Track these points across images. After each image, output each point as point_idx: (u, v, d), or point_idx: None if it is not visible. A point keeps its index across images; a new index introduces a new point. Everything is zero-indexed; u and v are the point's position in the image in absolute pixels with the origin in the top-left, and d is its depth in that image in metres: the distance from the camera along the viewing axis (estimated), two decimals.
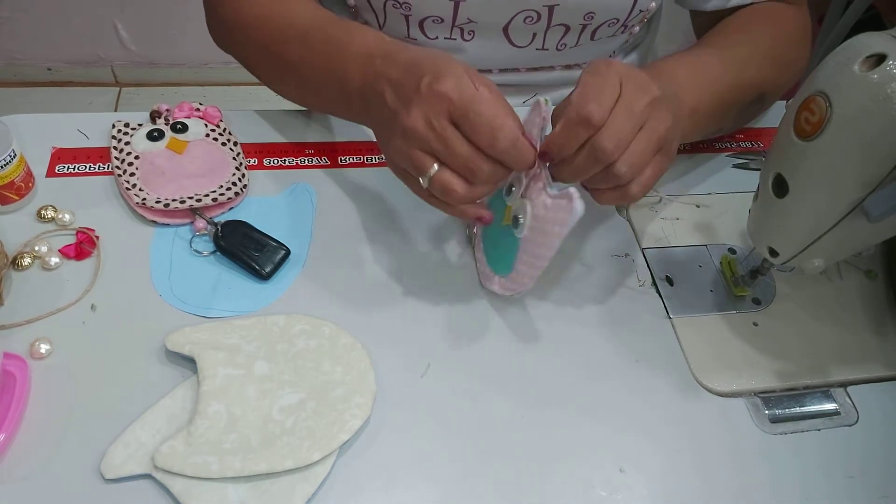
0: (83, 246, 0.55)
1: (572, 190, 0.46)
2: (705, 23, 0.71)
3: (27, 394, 0.47)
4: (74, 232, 0.56)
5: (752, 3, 0.68)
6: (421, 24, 0.68)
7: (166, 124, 0.62)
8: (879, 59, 0.41)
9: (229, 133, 0.63)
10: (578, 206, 0.46)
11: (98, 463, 0.44)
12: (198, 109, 0.64)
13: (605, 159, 0.46)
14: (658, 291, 0.58)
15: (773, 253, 0.51)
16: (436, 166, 0.47)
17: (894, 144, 0.41)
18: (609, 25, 0.69)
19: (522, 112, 0.71)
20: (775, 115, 0.71)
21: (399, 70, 0.49)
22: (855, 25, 1.47)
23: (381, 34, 0.55)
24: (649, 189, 0.49)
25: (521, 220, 0.49)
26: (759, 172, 0.51)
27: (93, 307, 0.52)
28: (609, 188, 0.49)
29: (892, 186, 0.42)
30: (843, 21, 1.48)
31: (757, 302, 0.58)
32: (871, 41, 0.41)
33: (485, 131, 0.45)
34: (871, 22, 1.48)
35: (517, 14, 0.66)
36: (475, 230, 0.58)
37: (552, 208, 0.48)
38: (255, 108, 0.68)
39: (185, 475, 0.44)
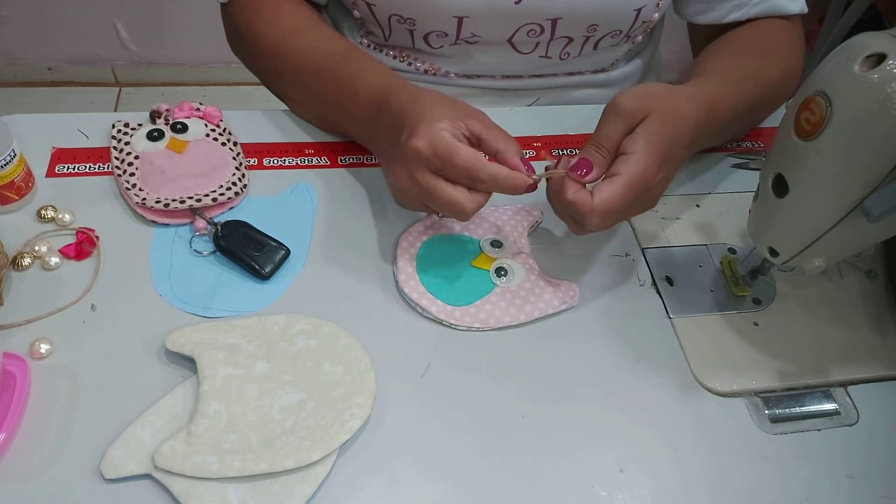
0: (83, 246, 0.55)
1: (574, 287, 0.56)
2: (701, 34, 0.72)
3: (27, 394, 0.47)
4: (74, 232, 0.56)
5: (747, 20, 0.68)
6: (426, 38, 0.68)
7: (166, 124, 0.62)
8: (879, 58, 0.41)
9: (229, 133, 0.63)
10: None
11: (98, 463, 0.44)
12: (198, 109, 0.64)
13: (588, 230, 0.52)
14: (658, 291, 0.58)
15: (774, 253, 0.51)
16: (441, 215, 0.54)
17: (894, 144, 0.41)
18: (612, 36, 0.69)
19: (524, 112, 0.71)
20: (775, 115, 0.71)
21: (392, 118, 0.54)
22: (855, 25, 1.48)
23: (379, 73, 0.59)
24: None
25: (507, 275, 0.56)
26: (759, 172, 0.51)
27: (93, 307, 0.52)
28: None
29: (893, 186, 0.42)
30: (844, 21, 1.48)
31: (757, 302, 0.58)
32: (871, 41, 0.41)
33: (463, 174, 0.49)
34: (871, 22, 1.48)
35: (520, 27, 0.66)
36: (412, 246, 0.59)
37: (551, 289, 0.56)
38: (255, 108, 0.68)
39: (185, 475, 0.44)
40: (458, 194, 0.50)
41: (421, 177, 0.50)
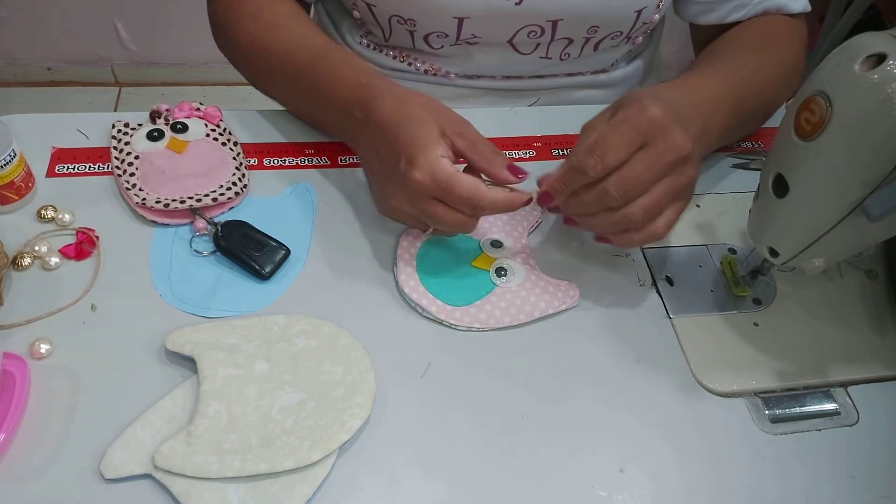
0: (83, 246, 0.55)
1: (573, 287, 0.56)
2: (704, 34, 0.72)
3: (27, 394, 0.47)
4: (74, 232, 0.56)
5: (750, 18, 0.68)
6: (426, 38, 0.68)
7: (166, 124, 0.62)
8: (879, 58, 0.40)
9: (229, 133, 0.63)
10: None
11: (98, 463, 0.44)
12: (198, 109, 0.64)
13: (609, 203, 0.49)
14: (658, 291, 0.58)
15: (774, 253, 0.51)
16: (430, 230, 0.54)
17: (894, 144, 0.41)
18: (612, 38, 0.69)
19: (525, 112, 0.71)
20: (776, 115, 0.71)
21: (377, 136, 0.53)
22: (855, 25, 1.48)
23: (358, 71, 0.57)
24: (661, 236, 0.51)
25: (507, 275, 0.56)
26: (759, 172, 0.51)
27: (93, 307, 0.52)
28: (620, 231, 0.51)
29: (893, 186, 0.42)
30: (844, 21, 1.48)
31: (757, 302, 0.58)
32: (872, 41, 0.41)
33: (464, 204, 0.50)
34: (872, 22, 1.48)
35: (521, 29, 0.66)
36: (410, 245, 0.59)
37: (551, 290, 0.56)
38: (255, 108, 0.68)
39: (185, 475, 0.44)
40: (461, 217, 0.51)
41: (422, 205, 0.51)
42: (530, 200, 0.52)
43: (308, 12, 0.73)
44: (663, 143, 0.48)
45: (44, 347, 0.49)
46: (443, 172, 0.49)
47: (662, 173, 0.48)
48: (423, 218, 0.52)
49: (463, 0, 0.63)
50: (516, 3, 0.63)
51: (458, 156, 0.52)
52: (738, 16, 0.68)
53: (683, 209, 0.52)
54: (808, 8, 0.69)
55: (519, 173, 0.51)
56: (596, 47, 0.70)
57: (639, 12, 0.66)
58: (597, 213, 0.50)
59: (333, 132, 0.63)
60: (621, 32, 0.68)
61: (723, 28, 0.70)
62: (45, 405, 0.47)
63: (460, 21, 0.65)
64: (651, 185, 0.49)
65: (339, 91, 0.57)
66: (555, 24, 0.65)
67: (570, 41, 0.69)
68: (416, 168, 0.49)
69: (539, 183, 0.52)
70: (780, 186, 0.47)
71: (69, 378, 0.48)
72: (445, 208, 0.51)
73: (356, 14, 0.69)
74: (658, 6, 0.66)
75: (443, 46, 0.69)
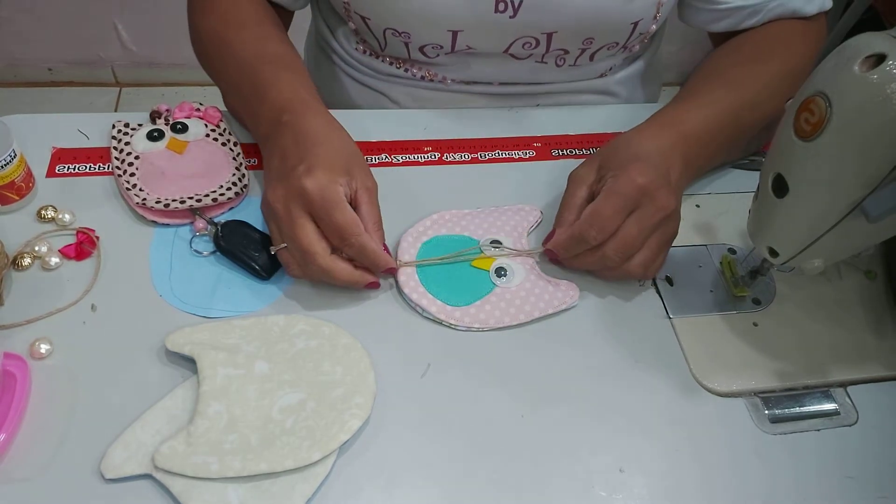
0: (83, 246, 0.55)
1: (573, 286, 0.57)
2: (721, 38, 0.71)
3: (27, 394, 0.47)
4: (74, 232, 0.56)
5: (765, 23, 0.67)
6: (421, 49, 0.68)
7: (166, 124, 0.62)
8: (879, 59, 0.40)
9: (229, 133, 0.63)
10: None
11: (98, 463, 0.44)
12: (198, 109, 0.64)
13: (610, 265, 0.53)
14: (658, 291, 0.58)
15: (773, 253, 0.51)
16: (282, 245, 0.52)
17: (894, 144, 0.41)
18: (608, 48, 0.68)
19: (525, 112, 0.71)
20: None
21: (291, 138, 0.54)
22: (854, 25, 1.48)
23: (302, 86, 0.58)
24: (654, 276, 0.57)
25: (507, 275, 0.56)
26: (759, 172, 0.51)
27: (93, 307, 0.52)
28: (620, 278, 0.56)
29: (892, 187, 0.42)
30: (843, 21, 1.48)
31: (757, 302, 0.58)
32: (871, 41, 0.41)
33: (335, 232, 0.51)
34: (871, 22, 1.48)
35: (515, 41, 0.66)
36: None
37: (552, 290, 0.56)
38: None
39: (185, 475, 0.44)
40: (318, 246, 0.51)
41: (294, 210, 0.50)
42: (394, 271, 0.54)
43: (289, 18, 0.73)
44: (653, 206, 0.52)
45: (44, 347, 0.49)
46: (334, 194, 0.50)
47: (652, 231, 0.53)
48: (286, 227, 0.51)
49: (457, 14, 0.63)
50: (510, 17, 0.63)
51: (352, 205, 0.53)
52: (752, 22, 0.67)
53: (668, 250, 0.56)
54: (827, 6, 0.68)
55: (389, 256, 0.54)
56: (592, 58, 0.70)
57: (635, 24, 0.65)
58: (600, 270, 0.56)
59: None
60: (617, 43, 0.68)
61: (738, 32, 0.69)
62: (45, 405, 0.47)
63: (454, 34, 0.64)
64: (644, 243, 0.53)
65: (276, 94, 0.57)
66: (549, 36, 0.65)
67: (566, 52, 0.68)
68: (311, 177, 0.50)
69: (544, 241, 0.57)
70: (780, 187, 0.47)
71: (69, 378, 0.49)
72: (312, 230, 0.51)
73: (351, 25, 0.69)
74: (655, 17, 0.65)
75: (438, 55, 0.69)
